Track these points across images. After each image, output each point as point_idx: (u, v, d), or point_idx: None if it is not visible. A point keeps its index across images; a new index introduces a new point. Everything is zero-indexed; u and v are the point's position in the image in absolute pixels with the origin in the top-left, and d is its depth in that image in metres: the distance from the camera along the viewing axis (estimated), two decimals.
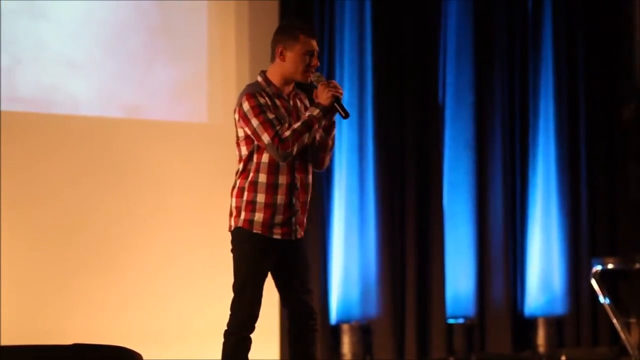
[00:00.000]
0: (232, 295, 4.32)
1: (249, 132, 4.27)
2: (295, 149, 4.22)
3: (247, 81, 7.02)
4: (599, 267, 7.60)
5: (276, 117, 4.25)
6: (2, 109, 6.54)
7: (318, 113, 4.26)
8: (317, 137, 4.38)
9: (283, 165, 4.29)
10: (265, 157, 4.30)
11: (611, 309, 7.55)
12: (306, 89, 4.47)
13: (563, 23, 8.26)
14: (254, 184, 4.29)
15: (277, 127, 4.22)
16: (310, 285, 4.41)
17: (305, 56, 4.32)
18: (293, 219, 4.33)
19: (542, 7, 8.24)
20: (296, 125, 4.25)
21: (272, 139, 4.21)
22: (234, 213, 4.33)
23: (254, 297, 4.28)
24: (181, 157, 7.09)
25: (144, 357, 4.46)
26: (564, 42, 8.26)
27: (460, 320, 7.91)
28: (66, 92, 6.83)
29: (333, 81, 4.33)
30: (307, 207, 4.42)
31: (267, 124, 4.22)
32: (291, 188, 4.31)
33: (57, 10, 6.82)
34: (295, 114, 4.37)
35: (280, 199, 4.29)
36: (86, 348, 4.43)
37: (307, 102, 4.48)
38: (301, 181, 4.35)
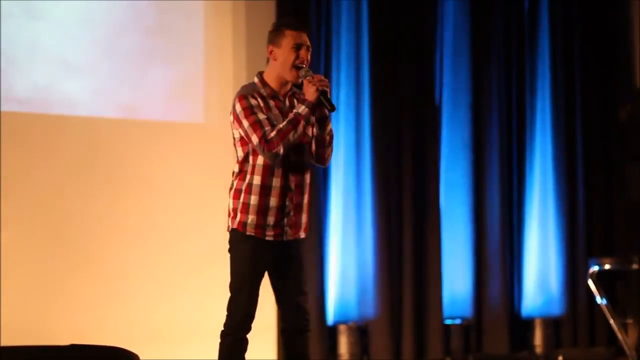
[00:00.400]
0: (228, 295, 4.32)
1: (242, 134, 4.27)
2: (281, 148, 4.20)
3: (243, 81, 7.01)
4: (595, 268, 7.60)
5: (267, 118, 4.24)
6: None
7: (303, 110, 4.24)
8: (311, 133, 4.37)
9: (278, 167, 4.28)
10: (260, 159, 4.29)
11: (608, 309, 7.54)
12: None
13: (560, 23, 8.27)
14: (250, 186, 4.29)
15: (266, 128, 4.21)
16: (304, 287, 4.40)
17: (293, 50, 4.29)
18: (285, 221, 4.32)
19: (539, 8, 8.25)
20: (281, 124, 4.23)
21: (260, 139, 4.20)
22: (231, 214, 4.34)
23: (250, 298, 4.29)
24: (178, 157, 7.09)
25: (140, 358, 4.45)
26: (560, 42, 8.26)
27: (458, 321, 7.91)
28: (62, 92, 6.83)
29: (318, 75, 4.28)
30: (305, 208, 4.40)
31: (256, 125, 4.22)
32: (284, 190, 4.31)
33: (53, 11, 6.81)
34: None
35: (272, 201, 4.29)
36: (83, 348, 4.42)
37: None
38: (296, 182, 4.34)
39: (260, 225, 4.28)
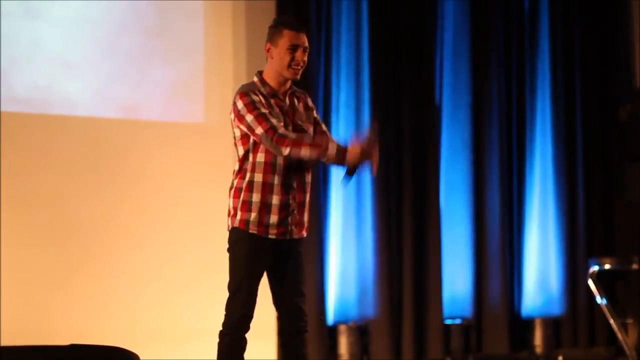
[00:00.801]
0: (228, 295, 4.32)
1: (245, 129, 4.26)
2: (288, 151, 4.15)
3: (243, 81, 6.99)
4: (595, 268, 7.60)
5: (270, 113, 4.23)
6: None
7: (332, 153, 4.11)
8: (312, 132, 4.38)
9: (279, 164, 4.28)
10: (260, 157, 4.28)
11: (608, 309, 7.54)
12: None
13: (559, 23, 8.27)
14: (251, 184, 4.29)
15: (273, 121, 4.20)
16: (302, 288, 4.40)
17: (290, 50, 4.28)
18: (289, 219, 4.32)
19: (539, 8, 8.25)
20: (308, 139, 4.18)
21: (267, 131, 4.18)
22: (232, 213, 4.33)
23: (249, 297, 4.28)
24: (178, 157, 7.09)
25: (140, 358, 4.45)
26: (560, 43, 8.26)
27: (458, 321, 7.91)
28: (62, 92, 6.83)
29: (376, 149, 4.11)
30: (307, 207, 4.40)
31: (261, 117, 4.20)
32: (287, 188, 4.30)
33: (53, 10, 6.81)
34: (291, 113, 4.35)
35: (275, 198, 4.28)
36: (83, 348, 4.42)
37: (308, 101, 4.45)
38: (297, 181, 4.34)
39: (263, 222, 4.27)
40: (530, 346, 8.05)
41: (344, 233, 7.62)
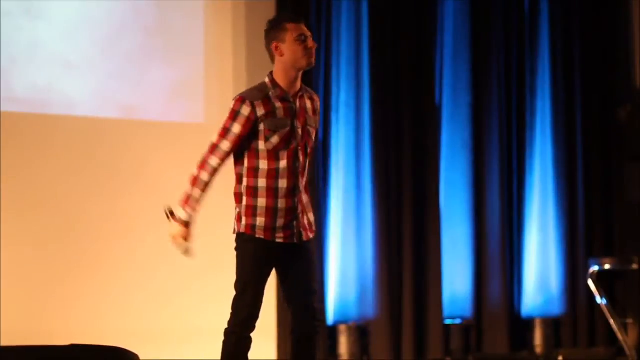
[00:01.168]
0: (230, 295, 4.31)
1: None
2: (195, 174, 4.36)
3: (244, 81, 7.07)
4: (595, 268, 7.60)
5: (239, 136, 4.24)
6: None
7: (181, 205, 4.50)
8: (313, 137, 4.41)
9: (283, 169, 4.26)
10: (262, 164, 4.27)
11: (608, 309, 7.55)
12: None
13: (559, 23, 8.27)
14: (254, 189, 4.28)
15: (225, 144, 4.26)
16: (315, 285, 4.37)
17: (298, 42, 4.29)
18: (295, 223, 4.32)
19: (539, 8, 8.24)
20: (201, 186, 4.36)
21: (213, 145, 4.29)
22: (236, 217, 4.33)
23: (255, 298, 4.27)
24: (178, 157, 7.07)
25: (140, 358, 4.45)
26: (560, 43, 8.26)
27: (458, 321, 7.91)
28: (62, 92, 6.82)
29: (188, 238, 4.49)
30: (310, 208, 4.40)
31: (224, 132, 4.27)
32: (293, 191, 4.30)
33: (53, 10, 6.81)
34: (302, 115, 4.34)
35: (281, 202, 4.28)
36: (83, 348, 4.42)
37: (316, 105, 4.44)
38: (300, 184, 4.33)
39: (270, 227, 4.27)
40: (530, 346, 8.04)
41: (344, 233, 7.61)
